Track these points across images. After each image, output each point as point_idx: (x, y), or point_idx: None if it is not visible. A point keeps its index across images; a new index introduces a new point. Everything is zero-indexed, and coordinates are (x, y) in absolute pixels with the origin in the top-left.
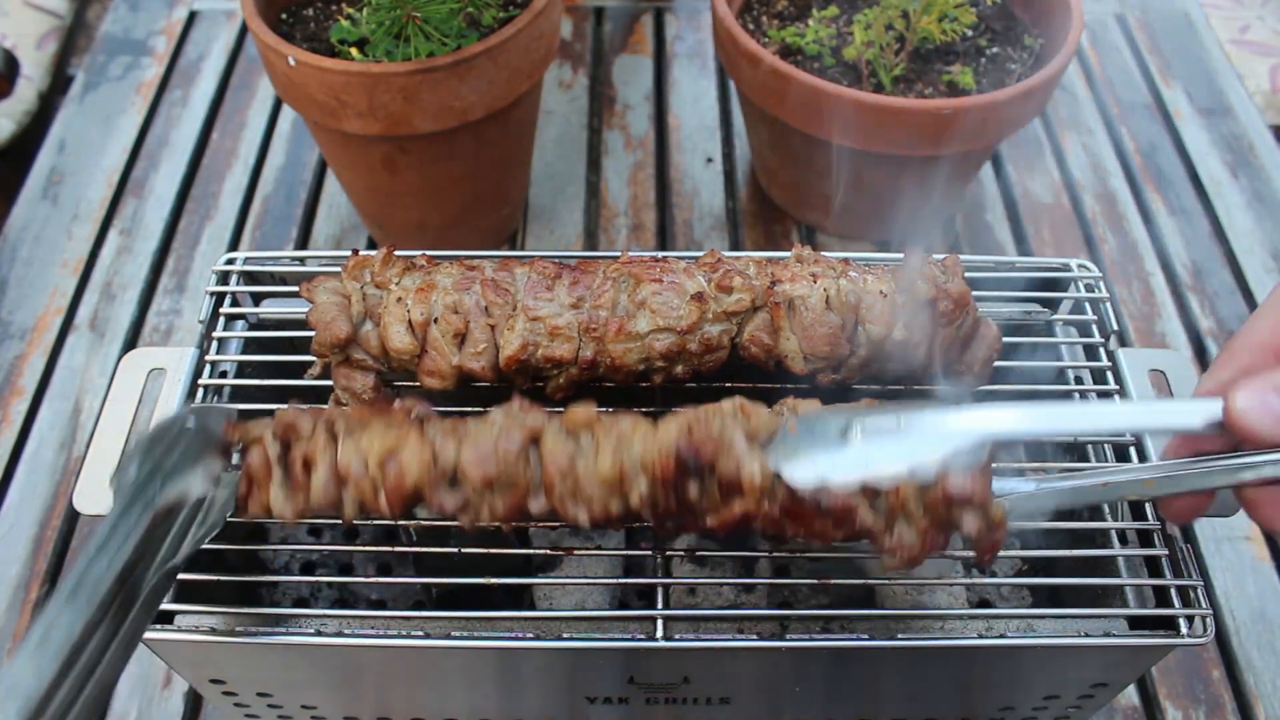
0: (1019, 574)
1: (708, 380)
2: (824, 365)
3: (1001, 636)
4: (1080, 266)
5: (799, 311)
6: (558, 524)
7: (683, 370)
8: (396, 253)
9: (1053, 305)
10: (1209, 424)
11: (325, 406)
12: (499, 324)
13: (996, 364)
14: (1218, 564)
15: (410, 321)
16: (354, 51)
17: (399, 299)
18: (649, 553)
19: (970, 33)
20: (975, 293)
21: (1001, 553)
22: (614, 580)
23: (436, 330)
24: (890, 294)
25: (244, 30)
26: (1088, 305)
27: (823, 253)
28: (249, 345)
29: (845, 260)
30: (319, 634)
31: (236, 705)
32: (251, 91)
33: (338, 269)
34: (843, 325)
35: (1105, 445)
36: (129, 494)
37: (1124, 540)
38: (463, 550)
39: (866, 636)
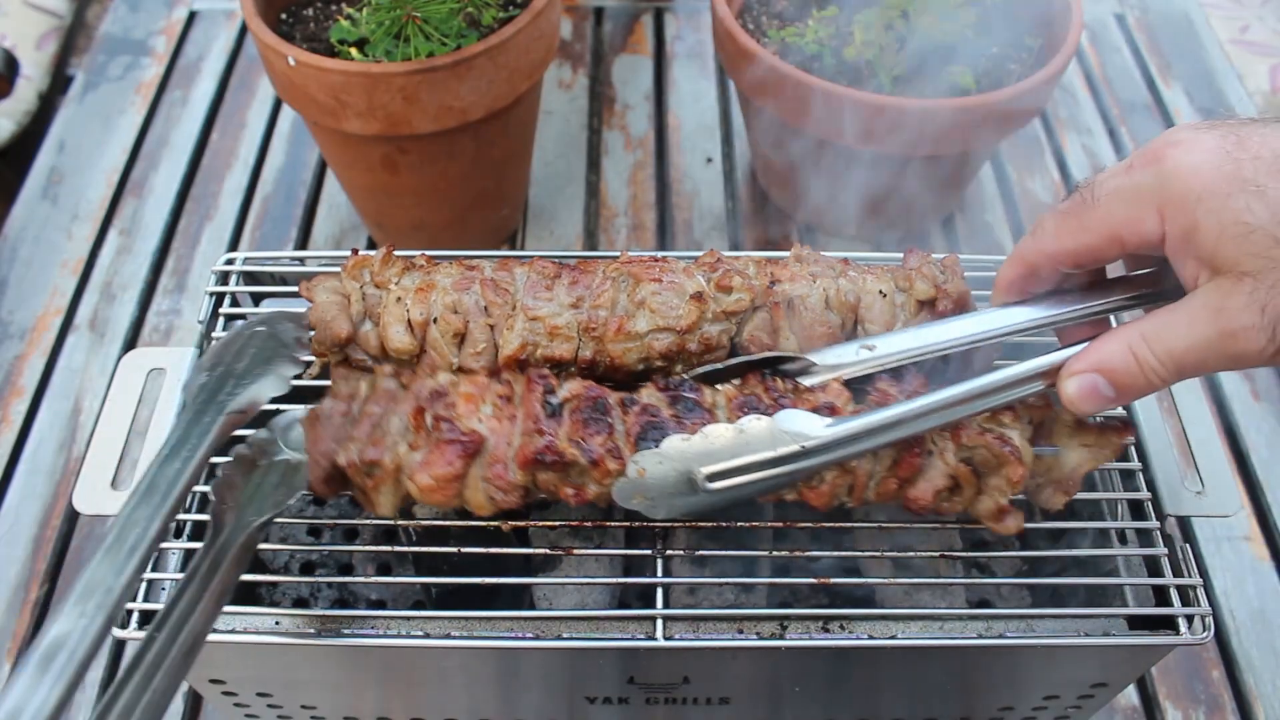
0: (1019, 574)
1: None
2: None
3: (1001, 636)
4: None
5: (798, 311)
6: (558, 522)
7: (682, 370)
8: (396, 252)
9: None
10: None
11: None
12: (498, 324)
13: (996, 363)
14: (1217, 564)
15: (410, 321)
16: (354, 51)
17: (398, 299)
18: (649, 552)
19: (970, 33)
20: (975, 293)
21: (1001, 553)
22: (614, 580)
23: (436, 330)
24: (890, 294)
25: (244, 30)
26: None
27: (822, 253)
28: None
29: (845, 260)
30: (319, 634)
31: (236, 705)
32: (251, 91)
33: (337, 269)
34: (842, 325)
35: None
36: (202, 398)
37: (1123, 540)
38: (462, 550)
39: (866, 636)
